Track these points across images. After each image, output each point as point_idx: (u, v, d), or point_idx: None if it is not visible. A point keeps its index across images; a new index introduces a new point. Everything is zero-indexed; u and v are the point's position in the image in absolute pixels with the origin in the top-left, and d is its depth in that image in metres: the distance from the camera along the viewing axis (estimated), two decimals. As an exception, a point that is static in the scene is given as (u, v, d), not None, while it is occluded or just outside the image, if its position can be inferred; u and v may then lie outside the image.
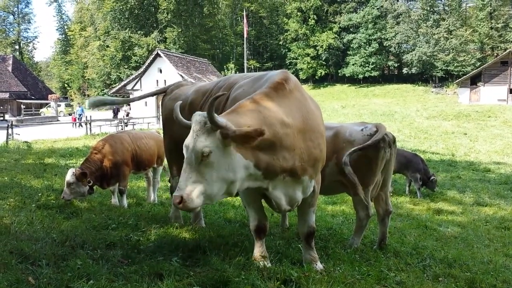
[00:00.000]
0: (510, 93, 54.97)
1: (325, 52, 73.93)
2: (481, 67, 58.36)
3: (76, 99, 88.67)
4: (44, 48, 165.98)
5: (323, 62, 75.41)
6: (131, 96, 46.21)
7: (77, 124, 36.45)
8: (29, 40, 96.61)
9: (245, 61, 53.72)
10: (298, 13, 75.80)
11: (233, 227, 6.56)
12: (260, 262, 4.38)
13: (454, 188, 13.78)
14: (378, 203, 5.91)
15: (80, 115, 39.19)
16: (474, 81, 57.75)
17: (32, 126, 35.51)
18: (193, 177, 3.54)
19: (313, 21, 74.75)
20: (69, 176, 7.15)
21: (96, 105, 7.26)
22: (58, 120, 44.74)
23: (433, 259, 5.57)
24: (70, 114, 42.88)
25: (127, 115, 38.86)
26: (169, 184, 11.65)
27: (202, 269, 4.19)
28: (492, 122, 37.85)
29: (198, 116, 3.66)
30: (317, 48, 74.23)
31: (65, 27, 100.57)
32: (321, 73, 75.35)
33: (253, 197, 4.40)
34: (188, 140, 3.62)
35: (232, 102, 4.58)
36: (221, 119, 3.57)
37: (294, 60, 77.19)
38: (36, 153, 17.00)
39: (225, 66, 65.85)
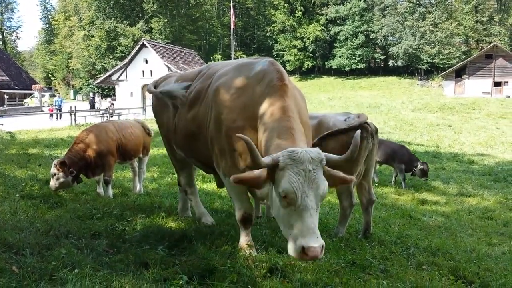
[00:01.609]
0: (494, 86, 55.70)
1: (312, 44, 73.88)
2: (466, 60, 58.96)
3: (60, 89, 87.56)
4: (27, 38, 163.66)
5: (310, 54, 75.42)
6: (116, 88, 45.87)
7: (56, 116, 34.28)
8: (12, 30, 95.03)
9: (232, 52, 53.49)
10: (285, 5, 75.61)
11: (219, 216, 6.56)
12: (246, 251, 4.38)
13: (438, 179, 13.96)
14: (361, 193, 5.96)
15: (59, 106, 36.45)
16: (459, 74, 58.38)
17: (15, 116, 34.93)
18: (318, 220, 3.44)
19: (300, 12, 74.65)
20: (52, 167, 7.20)
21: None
22: (42, 111, 44.10)
23: (417, 248, 5.65)
24: (50, 105, 39.92)
25: (112, 105, 37.98)
26: (154, 175, 11.69)
27: (188, 258, 4.18)
28: (476, 114, 38.30)
29: (312, 154, 3.40)
30: (304, 40, 74.16)
31: (49, 16, 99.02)
32: (308, 65, 75.38)
33: (239, 188, 4.39)
34: (302, 181, 3.32)
35: (216, 92, 4.49)
36: None
37: (281, 52, 77.05)
38: (19, 144, 16.78)
39: (212, 57, 65.62)
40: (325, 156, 3.48)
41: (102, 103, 40.57)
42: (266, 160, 3.46)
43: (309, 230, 3.27)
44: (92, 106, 41.01)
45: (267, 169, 3.47)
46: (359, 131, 3.57)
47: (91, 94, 47.59)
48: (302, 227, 3.29)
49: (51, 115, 34.12)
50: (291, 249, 3.39)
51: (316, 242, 3.23)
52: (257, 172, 3.51)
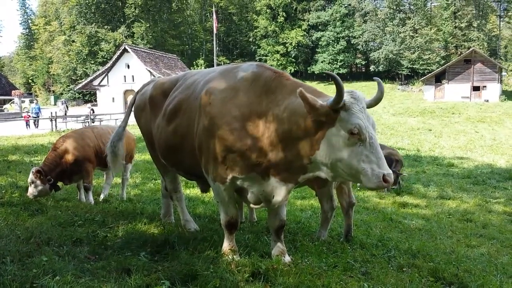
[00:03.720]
0: (473, 90, 56.65)
1: (294, 49, 74.49)
2: (445, 65, 59.86)
3: (40, 95, 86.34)
4: (7, 43, 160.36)
5: (293, 59, 75.99)
6: (98, 93, 45.46)
7: (34, 123, 32.05)
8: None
9: (214, 57, 53.50)
10: (268, 10, 76.11)
11: (202, 222, 6.55)
12: (229, 256, 4.40)
13: (419, 182, 14.13)
14: (341, 196, 5.98)
15: (37, 113, 33.26)
16: (438, 79, 59.25)
17: (-6, 122, 34.37)
18: None
19: (282, 18, 75.16)
20: (30, 175, 7.19)
21: None
22: (22, 117, 43.41)
23: (397, 250, 5.71)
24: (28, 112, 36.37)
25: (92, 111, 37.17)
26: (137, 181, 11.62)
27: (171, 263, 4.17)
28: (456, 118, 38.87)
29: (359, 93, 3.73)
30: (286, 45, 74.71)
31: (29, 21, 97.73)
32: (290, 70, 75.66)
33: (229, 192, 4.39)
34: (364, 118, 3.61)
35: (205, 99, 4.39)
36: None
37: (264, 57, 77.39)
38: (-1, 150, 16.54)
39: (194, 62, 65.42)
40: None
41: (67, 110, 38.30)
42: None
43: (383, 160, 3.57)
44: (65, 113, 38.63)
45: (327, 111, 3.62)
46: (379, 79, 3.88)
47: (62, 100, 45.89)
48: (377, 158, 3.56)
49: (27, 124, 31.87)
50: (369, 180, 3.55)
51: (389, 169, 3.56)
52: (321, 102, 3.62)
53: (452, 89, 57.35)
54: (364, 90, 65.37)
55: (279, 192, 4.15)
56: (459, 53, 66.05)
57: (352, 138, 3.55)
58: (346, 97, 3.61)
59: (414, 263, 5.10)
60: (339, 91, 3.52)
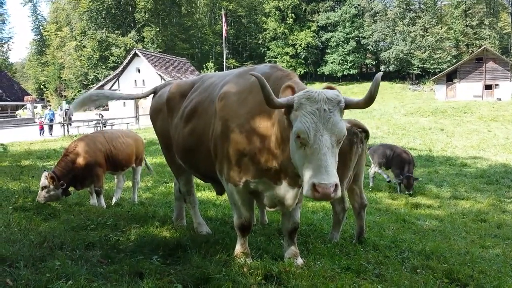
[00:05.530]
0: (485, 89, 56.16)
1: (304, 51, 74.37)
2: (457, 64, 59.45)
3: (52, 100, 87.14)
4: (19, 49, 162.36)
5: (302, 61, 75.83)
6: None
7: (48, 129, 31.32)
8: (3, 41, 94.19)
9: (224, 60, 53.59)
10: (277, 12, 76.08)
11: (214, 225, 6.56)
12: (241, 259, 4.38)
13: (432, 183, 14.01)
14: (352, 197, 5.95)
15: (51, 120, 32.20)
16: (450, 78, 58.83)
17: (8, 128, 34.81)
18: (335, 162, 3.34)
19: (291, 20, 75.11)
20: (42, 180, 7.21)
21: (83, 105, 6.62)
22: (34, 122, 43.88)
23: (411, 251, 5.65)
24: (40, 118, 35.58)
25: (101, 117, 36.86)
26: (148, 184, 11.66)
27: (183, 267, 4.17)
28: (468, 117, 38.47)
29: (329, 94, 3.42)
30: (296, 46, 74.62)
31: (41, 27, 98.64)
32: (300, 71, 75.51)
33: (242, 195, 4.37)
34: (316, 121, 3.31)
35: (220, 101, 4.45)
36: None
37: (273, 59, 77.28)
38: (12, 156, 16.74)
39: (204, 65, 65.62)
40: (344, 99, 3.49)
41: (71, 116, 37.48)
42: (281, 100, 3.47)
43: (321, 168, 3.23)
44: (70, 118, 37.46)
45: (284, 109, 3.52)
46: (380, 73, 3.59)
47: (62, 105, 45.02)
48: (314, 165, 3.26)
49: (42, 131, 31.04)
50: (304, 188, 3.36)
51: (327, 179, 3.18)
52: (273, 96, 3.46)
53: (464, 88, 56.93)
54: (374, 90, 65.09)
55: (289, 196, 4.13)
56: (471, 51, 65.45)
57: (297, 141, 3.39)
58: (296, 97, 3.45)
59: (428, 264, 5.04)
60: (262, 91, 3.43)
